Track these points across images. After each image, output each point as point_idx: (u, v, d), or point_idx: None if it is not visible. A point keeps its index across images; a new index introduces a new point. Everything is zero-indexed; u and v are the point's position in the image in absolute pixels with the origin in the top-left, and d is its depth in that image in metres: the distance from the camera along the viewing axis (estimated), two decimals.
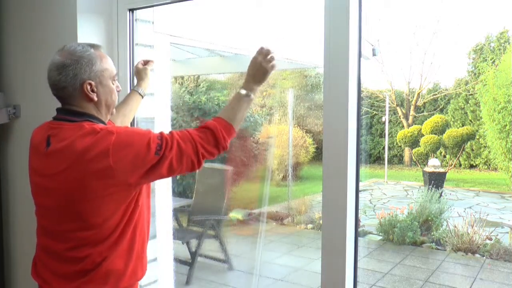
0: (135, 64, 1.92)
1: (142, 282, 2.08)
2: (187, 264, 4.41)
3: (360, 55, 1.44)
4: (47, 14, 2.11)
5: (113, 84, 1.43)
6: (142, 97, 1.82)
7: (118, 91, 1.47)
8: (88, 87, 1.35)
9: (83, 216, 1.32)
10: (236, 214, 6.84)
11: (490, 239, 5.60)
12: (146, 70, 1.84)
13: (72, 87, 1.34)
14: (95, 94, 1.36)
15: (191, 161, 1.34)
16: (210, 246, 4.85)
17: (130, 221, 1.37)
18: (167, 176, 1.36)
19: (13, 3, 2.29)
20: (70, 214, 1.34)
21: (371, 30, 11.75)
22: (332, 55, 1.43)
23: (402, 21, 16.10)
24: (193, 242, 4.56)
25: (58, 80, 1.34)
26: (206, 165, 5.69)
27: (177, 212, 4.94)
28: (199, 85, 9.32)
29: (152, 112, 2.13)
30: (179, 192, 6.74)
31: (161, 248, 2.21)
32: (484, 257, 5.33)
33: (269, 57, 1.43)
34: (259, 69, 1.44)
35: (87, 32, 1.96)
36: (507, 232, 5.96)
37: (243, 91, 1.43)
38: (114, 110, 1.48)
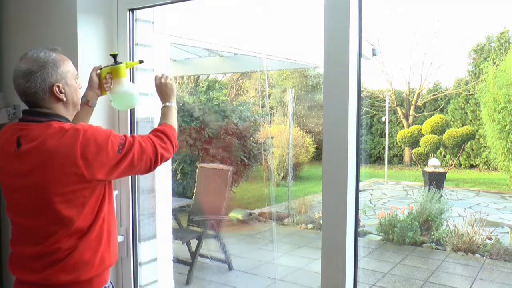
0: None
1: (142, 282, 2.09)
2: (187, 264, 4.41)
3: (360, 55, 1.44)
4: (47, 14, 2.11)
5: (76, 83, 1.54)
6: (90, 106, 1.75)
7: (79, 88, 1.57)
8: (57, 89, 1.44)
9: (55, 210, 1.40)
10: (236, 214, 6.84)
11: (490, 239, 5.60)
12: (91, 76, 1.75)
13: (42, 91, 1.43)
14: (64, 94, 1.47)
15: (149, 160, 1.51)
16: (210, 246, 4.85)
17: (99, 214, 1.48)
18: (127, 174, 1.53)
19: (13, 3, 2.29)
20: (43, 209, 1.42)
21: (371, 30, 11.75)
22: (332, 55, 1.43)
23: (402, 21, 16.10)
24: (193, 242, 4.56)
25: (28, 87, 1.42)
26: (206, 165, 5.70)
27: (177, 212, 4.94)
28: (199, 85, 9.32)
29: (152, 112, 2.13)
30: (179, 192, 6.75)
31: (161, 248, 2.21)
32: (484, 257, 5.33)
33: (164, 77, 1.76)
34: (165, 87, 1.75)
35: (87, 32, 1.96)
36: (507, 232, 5.95)
37: (168, 104, 1.73)
38: (79, 106, 1.59)
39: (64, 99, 1.47)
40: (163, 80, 1.76)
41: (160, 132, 1.58)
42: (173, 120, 1.69)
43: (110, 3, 2.02)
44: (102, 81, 1.75)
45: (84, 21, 1.95)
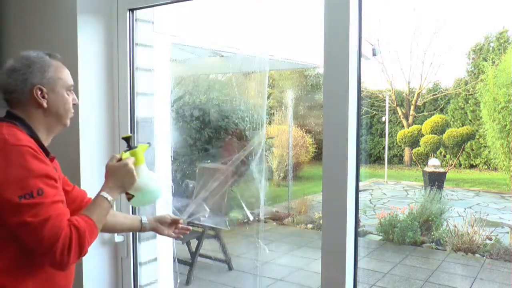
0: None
1: (142, 282, 2.09)
2: (187, 264, 4.41)
3: (360, 55, 1.44)
4: (47, 14, 2.11)
5: (68, 95, 1.38)
6: (142, 228, 1.64)
7: (74, 104, 1.41)
8: (38, 92, 1.31)
9: None
10: (236, 214, 6.84)
11: (490, 239, 5.60)
12: (166, 219, 1.67)
13: (21, 91, 1.30)
14: (46, 101, 1.33)
15: (42, 243, 1.17)
16: (210, 246, 4.85)
17: (9, 234, 1.21)
18: (15, 232, 1.19)
19: (13, 3, 2.29)
20: None
21: (371, 30, 11.75)
22: (332, 55, 1.43)
23: (402, 21, 16.10)
24: (193, 242, 4.56)
25: (7, 84, 1.31)
26: (206, 165, 5.70)
27: (177, 212, 4.94)
28: (199, 85, 9.32)
29: (152, 112, 2.13)
30: (179, 192, 6.74)
31: (161, 248, 2.21)
32: (484, 257, 5.33)
33: (126, 163, 1.39)
34: (119, 171, 1.38)
35: (87, 32, 1.96)
36: (507, 232, 5.96)
37: (107, 195, 1.34)
38: (68, 122, 1.41)
39: (45, 105, 1.32)
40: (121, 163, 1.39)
41: (79, 233, 1.20)
42: (102, 221, 1.32)
43: (110, 3, 2.02)
44: None
45: (84, 21, 1.95)
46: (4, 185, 1.17)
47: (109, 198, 1.34)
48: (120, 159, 1.42)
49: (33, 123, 1.33)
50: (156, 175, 1.52)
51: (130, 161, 1.40)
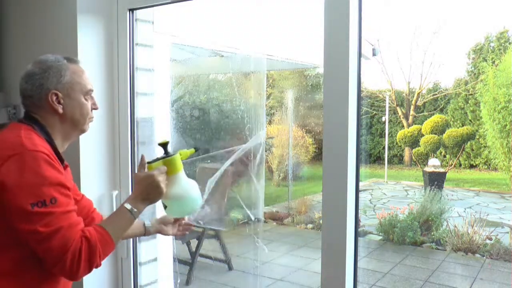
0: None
1: (142, 282, 2.09)
2: (187, 264, 4.41)
3: (360, 55, 1.44)
4: (47, 14, 2.11)
5: (85, 99, 1.35)
6: (145, 232, 1.61)
7: (94, 109, 1.39)
8: (54, 97, 1.29)
9: None
10: (236, 214, 6.84)
11: (490, 239, 5.60)
12: (167, 219, 1.63)
13: (38, 96, 1.29)
14: (61, 106, 1.30)
15: (52, 253, 1.15)
16: (210, 246, 4.85)
17: (12, 240, 1.19)
18: (26, 239, 1.16)
19: (13, 3, 2.29)
20: None
21: (371, 30, 11.76)
22: (332, 55, 1.43)
23: (402, 21, 16.11)
24: (193, 242, 4.56)
25: (24, 89, 1.30)
26: (206, 165, 5.70)
27: None
28: (199, 85, 9.32)
29: (152, 112, 2.13)
30: None
31: (161, 248, 2.21)
32: (484, 257, 5.33)
33: (158, 174, 1.32)
34: (150, 182, 1.32)
35: (87, 32, 1.96)
36: (507, 232, 5.96)
37: (131, 206, 1.30)
38: (86, 127, 1.39)
39: (61, 111, 1.30)
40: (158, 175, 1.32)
41: (90, 245, 1.18)
42: (121, 233, 1.30)
43: (110, 3, 2.02)
44: None
45: (84, 21, 1.95)
46: (17, 191, 1.14)
47: (132, 209, 1.29)
48: (149, 168, 1.35)
49: (50, 128, 1.31)
50: (195, 183, 1.42)
51: (158, 172, 1.32)
